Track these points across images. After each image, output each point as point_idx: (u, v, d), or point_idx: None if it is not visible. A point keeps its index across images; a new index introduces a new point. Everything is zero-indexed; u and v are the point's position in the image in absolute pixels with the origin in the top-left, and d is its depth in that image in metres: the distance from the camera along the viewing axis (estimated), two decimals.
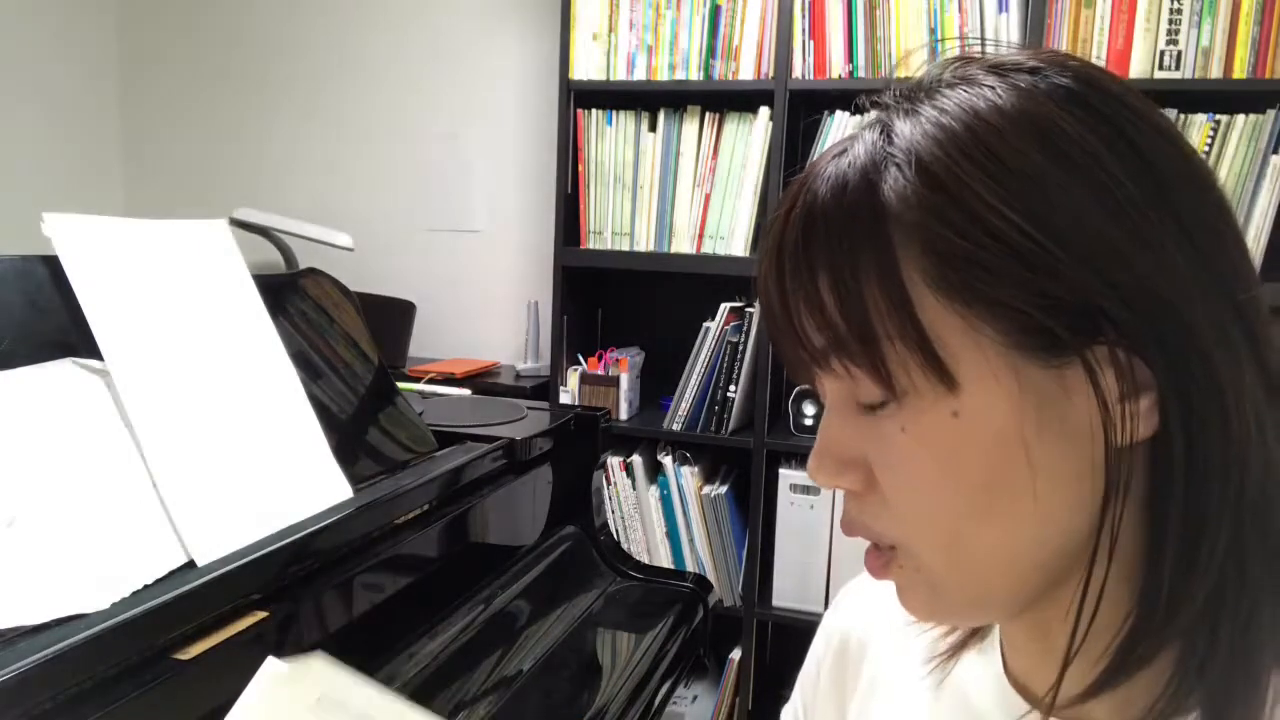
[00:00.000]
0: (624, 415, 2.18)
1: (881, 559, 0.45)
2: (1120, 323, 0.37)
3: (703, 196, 2.08)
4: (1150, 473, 0.40)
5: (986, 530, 0.40)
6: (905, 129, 0.40)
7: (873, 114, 0.43)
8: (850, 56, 1.94)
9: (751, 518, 2.08)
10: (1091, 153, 0.38)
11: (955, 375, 0.39)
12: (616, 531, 2.17)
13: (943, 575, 0.42)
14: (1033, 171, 0.37)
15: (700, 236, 2.09)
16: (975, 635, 0.52)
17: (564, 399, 2.18)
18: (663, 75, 2.07)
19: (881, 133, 0.41)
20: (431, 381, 1.86)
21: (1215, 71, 1.76)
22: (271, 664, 0.51)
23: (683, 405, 2.10)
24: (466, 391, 1.63)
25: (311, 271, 1.20)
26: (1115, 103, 0.39)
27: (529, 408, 1.44)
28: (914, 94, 0.42)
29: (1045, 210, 0.37)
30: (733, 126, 2.05)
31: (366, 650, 0.94)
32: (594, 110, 2.14)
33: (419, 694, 0.95)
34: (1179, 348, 0.37)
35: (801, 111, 2.07)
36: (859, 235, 0.39)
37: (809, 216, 0.41)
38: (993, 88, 0.40)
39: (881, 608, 0.58)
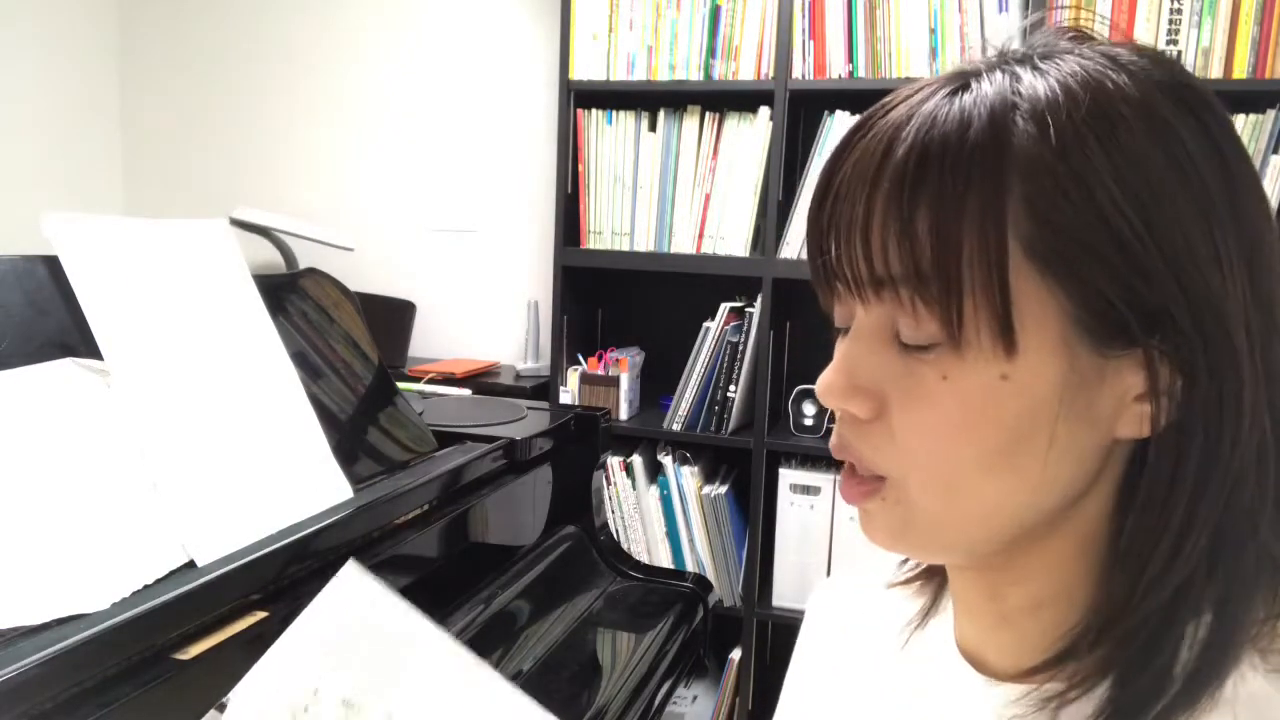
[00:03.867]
0: (624, 415, 2.18)
1: (865, 487, 0.44)
2: (1182, 332, 0.39)
3: (703, 196, 2.08)
4: (1130, 467, 0.42)
5: (989, 484, 0.41)
6: (1037, 84, 0.40)
7: (986, 62, 0.42)
8: (850, 56, 1.94)
9: (751, 518, 2.08)
10: (1199, 166, 0.39)
11: (1018, 341, 0.39)
12: (616, 531, 2.17)
13: (926, 513, 0.43)
14: (1152, 172, 0.38)
15: (700, 236, 2.09)
16: (935, 608, 0.54)
17: (564, 399, 2.18)
18: (663, 75, 2.07)
19: (1010, 78, 0.40)
20: (431, 381, 1.86)
21: (1215, 71, 1.76)
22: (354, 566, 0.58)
23: (683, 405, 2.10)
24: (466, 391, 1.63)
25: (311, 271, 1.20)
26: (1216, 117, 0.41)
27: (529, 408, 1.44)
28: (1031, 53, 0.42)
29: (1156, 212, 0.38)
30: (733, 126, 2.05)
31: None
32: (594, 110, 2.14)
33: None
34: (1220, 368, 0.39)
35: (802, 111, 2.08)
36: (975, 178, 0.39)
37: (927, 142, 0.39)
38: (1116, 71, 0.40)
39: (848, 612, 0.61)
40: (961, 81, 0.41)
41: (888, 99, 0.43)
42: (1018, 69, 0.41)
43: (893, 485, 0.44)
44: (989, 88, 0.40)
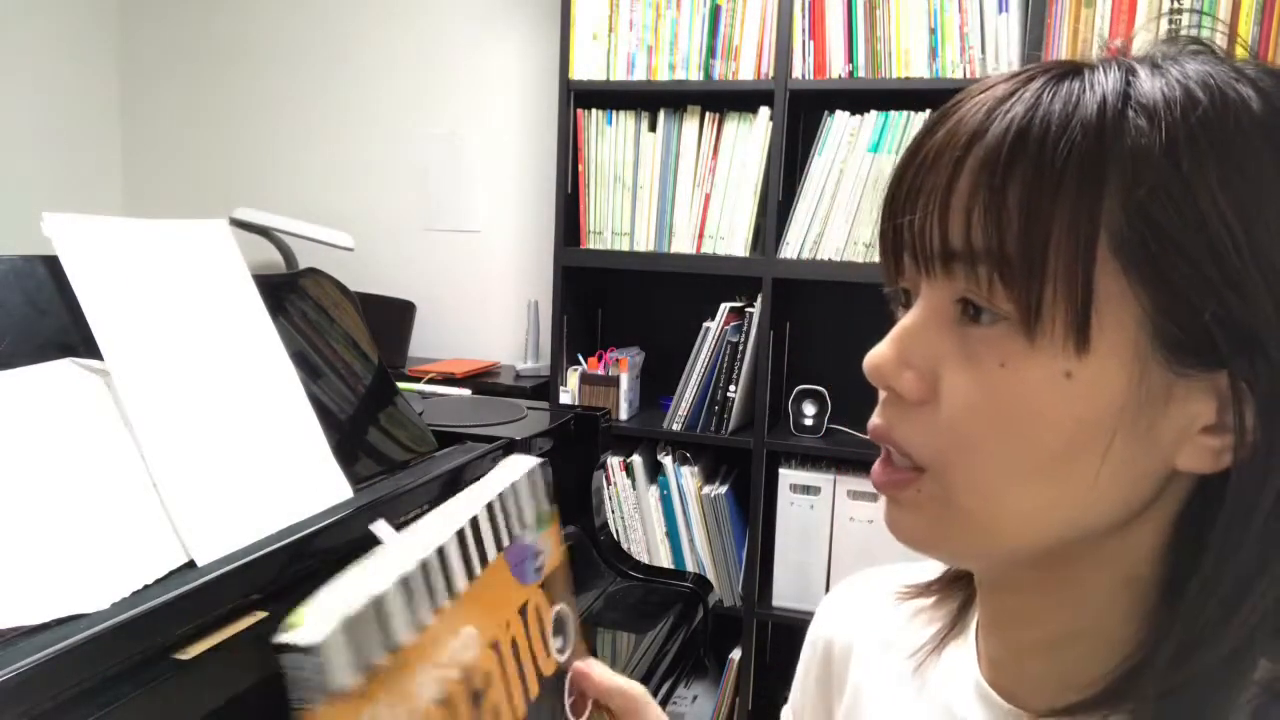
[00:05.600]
0: (624, 415, 2.18)
1: (900, 476, 0.42)
2: (1269, 360, 0.36)
3: (703, 196, 2.08)
4: (1189, 503, 0.40)
5: (1034, 491, 0.39)
6: (1155, 80, 0.38)
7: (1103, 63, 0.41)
8: (850, 56, 1.94)
9: (751, 518, 2.08)
10: None
11: (1091, 338, 0.37)
12: (616, 531, 2.17)
13: (963, 512, 0.41)
14: (1262, 188, 0.37)
15: (700, 236, 2.09)
16: (955, 629, 0.52)
17: (564, 399, 2.18)
18: (663, 75, 2.07)
19: (1125, 74, 0.39)
20: (431, 381, 1.87)
21: None
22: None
23: (683, 405, 2.10)
24: (466, 391, 1.63)
25: (311, 271, 1.20)
26: None
27: (529, 408, 1.44)
28: (1152, 55, 0.40)
29: (1261, 227, 0.36)
30: (733, 126, 2.05)
31: None
32: (594, 110, 2.14)
33: None
34: None
35: (801, 111, 2.08)
36: (1075, 158, 0.37)
37: (1030, 116, 0.38)
38: (1241, 83, 0.38)
39: (864, 614, 0.58)
40: (1073, 68, 0.40)
41: (988, 78, 0.41)
42: (1135, 65, 0.39)
43: (931, 478, 0.41)
44: (1103, 77, 0.39)
